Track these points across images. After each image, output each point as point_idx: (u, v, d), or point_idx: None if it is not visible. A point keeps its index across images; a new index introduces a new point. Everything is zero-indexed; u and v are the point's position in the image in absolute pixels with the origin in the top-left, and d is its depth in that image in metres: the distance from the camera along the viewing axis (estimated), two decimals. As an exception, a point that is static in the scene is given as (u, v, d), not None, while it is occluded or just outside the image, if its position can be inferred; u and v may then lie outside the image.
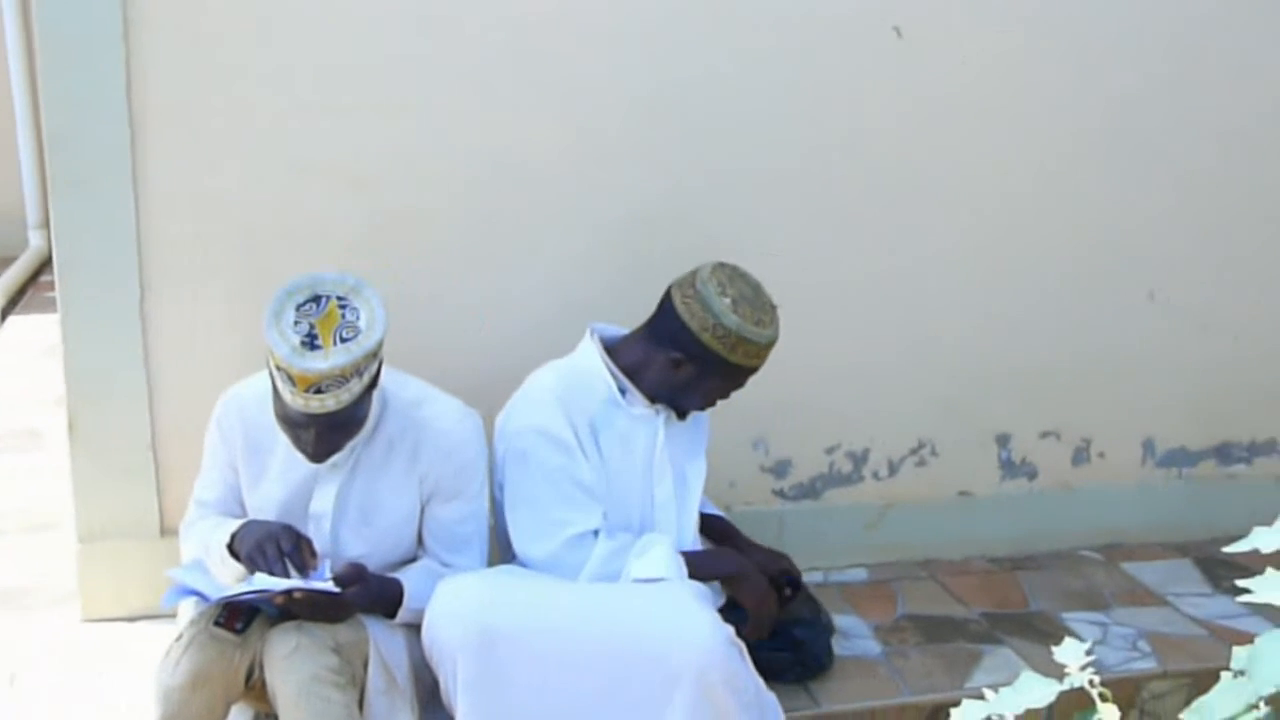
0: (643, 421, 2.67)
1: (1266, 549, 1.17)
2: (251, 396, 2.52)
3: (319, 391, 2.26)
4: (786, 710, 2.58)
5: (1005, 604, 3.31)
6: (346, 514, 2.50)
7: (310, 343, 2.26)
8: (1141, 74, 3.38)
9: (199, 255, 2.89)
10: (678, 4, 3.02)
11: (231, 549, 2.41)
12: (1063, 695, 1.18)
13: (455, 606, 2.39)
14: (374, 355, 2.32)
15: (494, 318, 3.07)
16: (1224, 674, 1.13)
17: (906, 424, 3.46)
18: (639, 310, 2.72)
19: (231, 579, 2.42)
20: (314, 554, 2.40)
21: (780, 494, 3.40)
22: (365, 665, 2.38)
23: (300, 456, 2.41)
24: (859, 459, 3.44)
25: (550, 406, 2.60)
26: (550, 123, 3.02)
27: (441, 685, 2.43)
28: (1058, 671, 1.21)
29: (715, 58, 3.07)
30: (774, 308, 2.64)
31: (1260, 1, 3.43)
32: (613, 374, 2.66)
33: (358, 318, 2.30)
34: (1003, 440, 3.55)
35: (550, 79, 2.99)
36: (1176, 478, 3.72)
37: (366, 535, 2.51)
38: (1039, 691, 1.18)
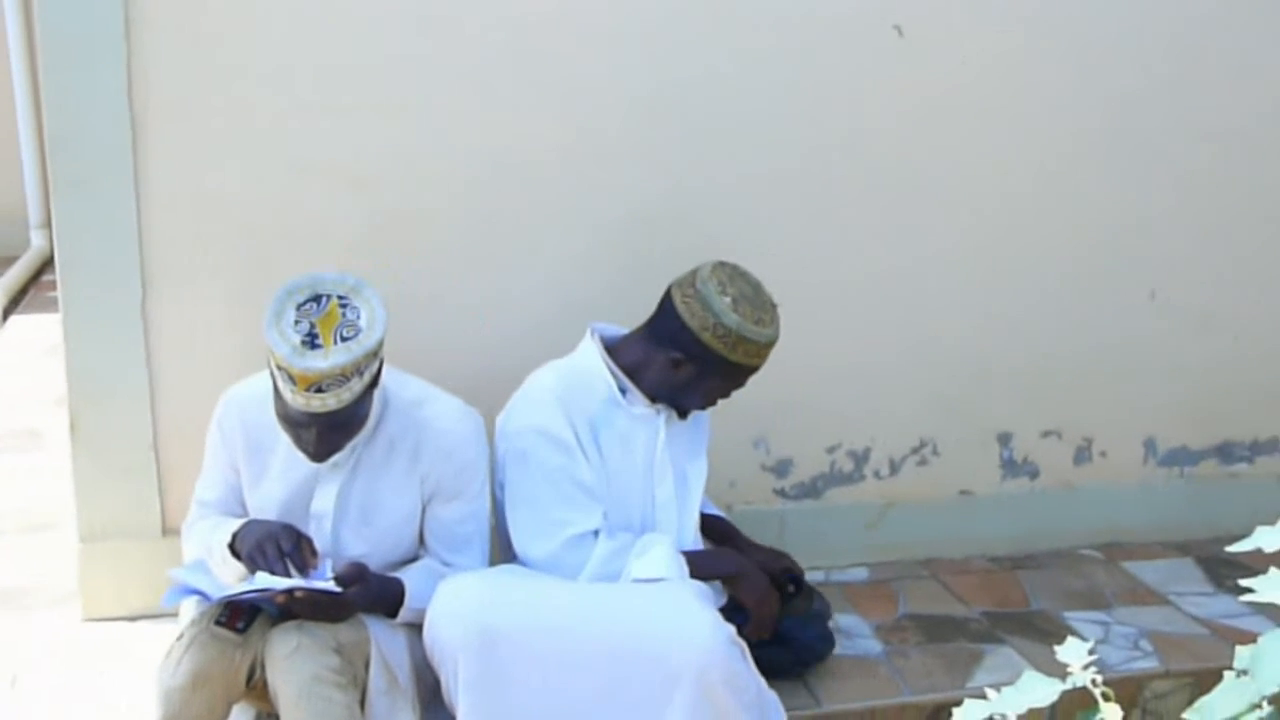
0: (643, 421, 2.67)
1: (1269, 548, 1.17)
2: (252, 396, 2.52)
3: (320, 391, 2.26)
4: (788, 709, 2.58)
5: (1006, 603, 3.31)
6: (347, 513, 2.50)
7: (311, 342, 2.26)
8: (1141, 74, 3.38)
9: (200, 255, 2.89)
10: (678, 4, 3.03)
11: (233, 548, 2.41)
12: (1065, 695, 1.18)
13: (456, 606, 2.39)
14: (374, 354, 2.32)
15: (494, 318, 3.07)
16: (1226, 673, 1.13)
17: (907, 423, 3.46)
18: (639, 310, 2.72)
19: (233, 578, 2.41)
20: (315, 553, 2.40)
21: (781, 493, 3.40)
22: (367, 665, 2.37)
23: (301, 456, 2.41)
24: (860, 458, 3.44)
25: (550, 406, 2.60)
26: (550, 123, 3.02)
27: (443, 685, 2.43)
28: (1059, 671, 1.21)
29: (715, 58, 3.07)
30: (774, 307, 2.64)
31: (1260, 1, 3.43)
32: (613, 374, 2.65)
33: (358, 317, 2.30)
34: (1004, 439, 3.55)
35: (550, 79, 2.99)
36: (1178, 477, 3.72)
37: (367, 535, 2.51)
38: (1042, 691, 1.18)
